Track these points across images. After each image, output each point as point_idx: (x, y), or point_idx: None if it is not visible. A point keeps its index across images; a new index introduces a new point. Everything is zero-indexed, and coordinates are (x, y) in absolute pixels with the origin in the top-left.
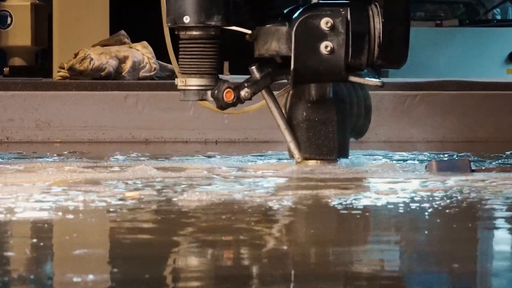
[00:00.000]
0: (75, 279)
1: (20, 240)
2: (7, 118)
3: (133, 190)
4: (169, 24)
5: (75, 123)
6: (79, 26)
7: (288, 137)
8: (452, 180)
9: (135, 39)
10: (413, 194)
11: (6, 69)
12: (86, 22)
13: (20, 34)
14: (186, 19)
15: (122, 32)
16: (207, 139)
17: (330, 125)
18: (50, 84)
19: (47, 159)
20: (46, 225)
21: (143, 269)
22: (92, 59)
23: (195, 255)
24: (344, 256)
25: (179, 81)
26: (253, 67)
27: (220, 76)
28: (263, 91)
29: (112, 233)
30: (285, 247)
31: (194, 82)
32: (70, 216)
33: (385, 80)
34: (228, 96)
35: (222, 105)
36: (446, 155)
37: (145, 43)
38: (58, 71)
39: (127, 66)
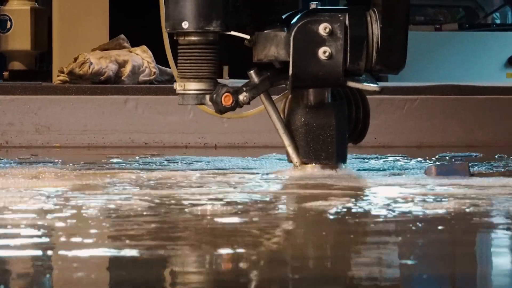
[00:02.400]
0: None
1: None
2: (6, 122)
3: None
4: (168, 29)
5: (74, 127)
6: (79, 30)
7: (286, 141)
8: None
9: (134, 43)
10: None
11: (5, 73)
12: (85, 26)
13: (19, 38)
14: (185, 25)
15: (122, 36)
16: (206, 143)
17: (329, 130)
18: (50, 88)
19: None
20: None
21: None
22: (91, 63)
23: (191, 259)
24: (339, 262)
25: (177, 86)
26: (252, 72)
27: (220, 80)
28: (262, 96)
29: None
30: (280, 253)
31: (193, 87)
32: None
33: (384, 84)
34: (227, 100)
35: (221, 109)
36: (447, 158)
37: (144, 47)
38: (58, 75)
39: (127, 70)
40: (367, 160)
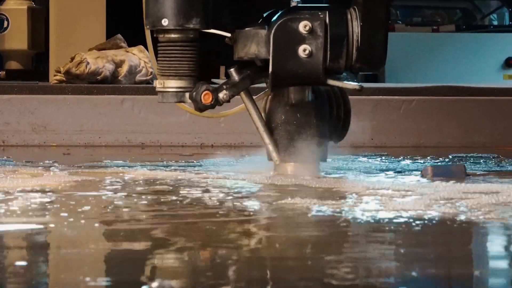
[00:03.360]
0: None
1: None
2: (3, 122)
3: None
4: (147, 26)
5: (71, 127)
6: (76, 30)
7: (266, 139)
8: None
9: (131, 43)
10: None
11: (2, 73)
12: (82, 26)
13: (16, 38)
14: (165, 22)
15: (119, 36)
16: (203, 143)
17: (309, 128)
18: (47, 88)
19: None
20: None
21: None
22: (88, 63)
23: (173, 258)
24: (317, 263)
25: (157, 83)
26: (232, 70)
27: (216, 80)
28: (242, 94)
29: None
30: (259, 252)
31: (172, 84)
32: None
33: (381, 85)
34: (206, 98)
35: (200, 107)
36: (443, 160)
37: (141, 47)
38: (55, 75)
39: (124, 70)
40: (355, 160)
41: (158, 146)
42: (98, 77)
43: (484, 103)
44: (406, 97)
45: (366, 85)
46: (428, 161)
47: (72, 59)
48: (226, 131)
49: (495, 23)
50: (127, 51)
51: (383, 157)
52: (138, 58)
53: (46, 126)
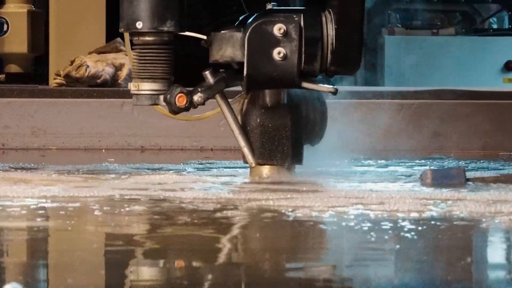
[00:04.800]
0: None
1: None
2: (3, 125)
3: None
4: (122, 29)
5: (71, 130)
6: (76, 33)
7: (242, 142)
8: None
9: None
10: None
11: (2, 76)
12: (82, 29)
13: (16, 41)
14: (139, 25)
15: (119, 39)
16: (202, 146)
17: (284, 131)
18: (46, 91)
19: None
20: None
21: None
22: (88, 66)
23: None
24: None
25: (132, 86)
26: (207, 72)
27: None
28: (217, 96)
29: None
30: (235, 257)
31: (147, 87)
32: None
33: (381, 89)
34: (181, 100)
35: (175, 110)
36: (443, 164)
37: None
38: (54, 78)
39: (123, 73)
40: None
41: (158, 149)
42: (98, 81)
43: (483, 106)
44: (406, 101)
45: (365, 88)
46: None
47: (72, 62)
48: (226, 135)
49: (495, 26)
50: (127, 55)
51: (372, 161)
52: None
53: (46, 130)
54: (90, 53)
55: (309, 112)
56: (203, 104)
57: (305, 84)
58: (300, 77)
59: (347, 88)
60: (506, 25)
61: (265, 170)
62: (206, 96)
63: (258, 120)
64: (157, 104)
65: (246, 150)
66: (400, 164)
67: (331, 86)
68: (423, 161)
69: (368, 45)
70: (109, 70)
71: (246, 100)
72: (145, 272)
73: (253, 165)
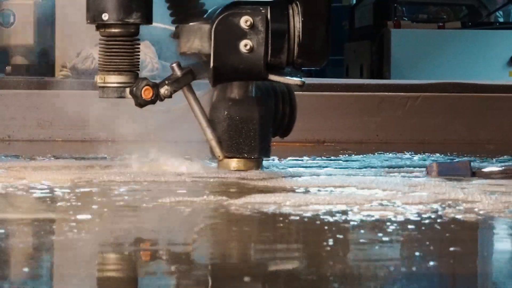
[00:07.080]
0: None
1: None
2: (9, 117)
3: None
4: (88, 21)
5: (76, 122)
6: (82, 25)
7: (209, 135)
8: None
9: None
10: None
11: (8, 68)
12: None
13: (22, 33)
14: (105, 16)
15: None
16: None
17: (252, 123)
18: (52, 83)
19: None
20: None
21: None
22: (94, 58)
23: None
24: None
25: (98, 78)
26: (174, 65)
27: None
28: (184, 89)
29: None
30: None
31: (113, 80)
32: None
33: (386, 81)
34: (147, 93)
35: (141, 103)
36: (447, 157)
37: (147, 42)
38: (61, 70)
39: None
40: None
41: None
42: None
43: (489, 100)
44: (412, 94)
45: (371, 81)
46: (411, 155)
47: (78, 54)
48: None
49: (501, 20)
50: None
51: (347, 154)
52: (144, 53)
53: (51, 121)
54: (96, 45)
55: (278, 105)
56: (170, 97)
57: (272, 77)
58: (267, 69)
59: (353, 81)
60: None
61: (233, 163)
62: (174, 89)
63: (226, 112)
64: (123, 97)
65: (213, 143)
66: (404, 157)
67: (299, 79)
68: (428, 154)
69: (373, 38)
70: None
71: (214, 93)
72: None
73: (221, 158)
